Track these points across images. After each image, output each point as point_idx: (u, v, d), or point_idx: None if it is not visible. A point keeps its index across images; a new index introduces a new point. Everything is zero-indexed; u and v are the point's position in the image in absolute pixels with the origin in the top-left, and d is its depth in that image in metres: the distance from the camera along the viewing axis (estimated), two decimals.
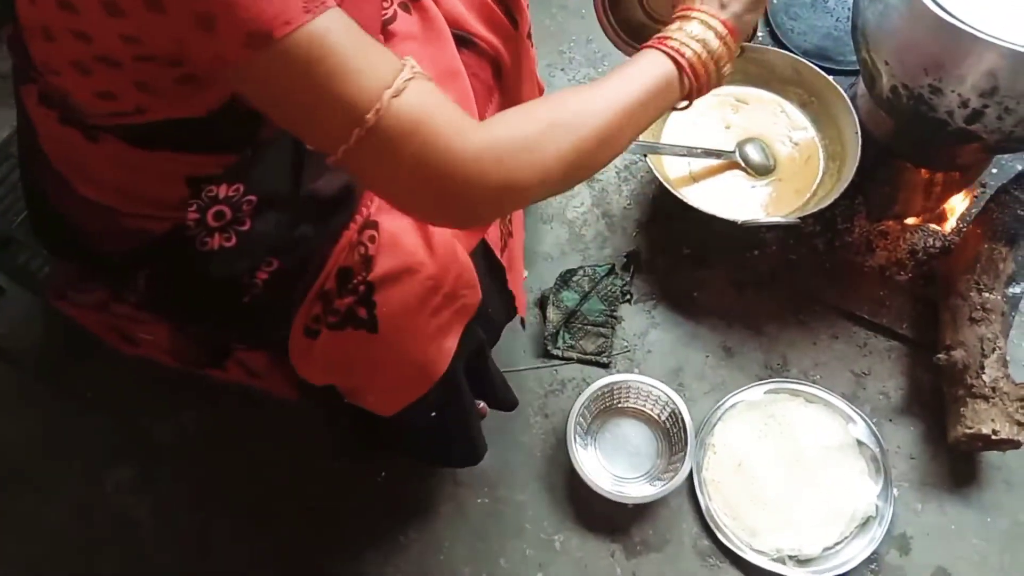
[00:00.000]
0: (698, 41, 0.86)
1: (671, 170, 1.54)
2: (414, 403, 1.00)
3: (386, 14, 1.02)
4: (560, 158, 0.76)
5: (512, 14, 1.16)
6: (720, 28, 0.87)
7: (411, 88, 0.70)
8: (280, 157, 0.95)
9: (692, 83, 0.86)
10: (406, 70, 0.71)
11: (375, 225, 0.95)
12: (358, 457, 1.43)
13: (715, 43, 0.86)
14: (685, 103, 0.90)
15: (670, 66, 0.84)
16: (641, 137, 1.46)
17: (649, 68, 0.84)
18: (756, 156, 1.54)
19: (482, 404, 1.43)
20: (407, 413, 1.00)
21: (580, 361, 1.49)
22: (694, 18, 0.87)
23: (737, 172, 1.54)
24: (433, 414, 1.02)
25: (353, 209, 0.97)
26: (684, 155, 1.53)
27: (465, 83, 1.04)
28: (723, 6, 0.88)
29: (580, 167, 0.79)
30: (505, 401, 1.30)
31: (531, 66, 1.24)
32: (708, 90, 0.89)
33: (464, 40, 1.09)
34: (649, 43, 0.87)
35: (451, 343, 0.96)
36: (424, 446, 1.25)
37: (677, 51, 0.85)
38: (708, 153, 1.53)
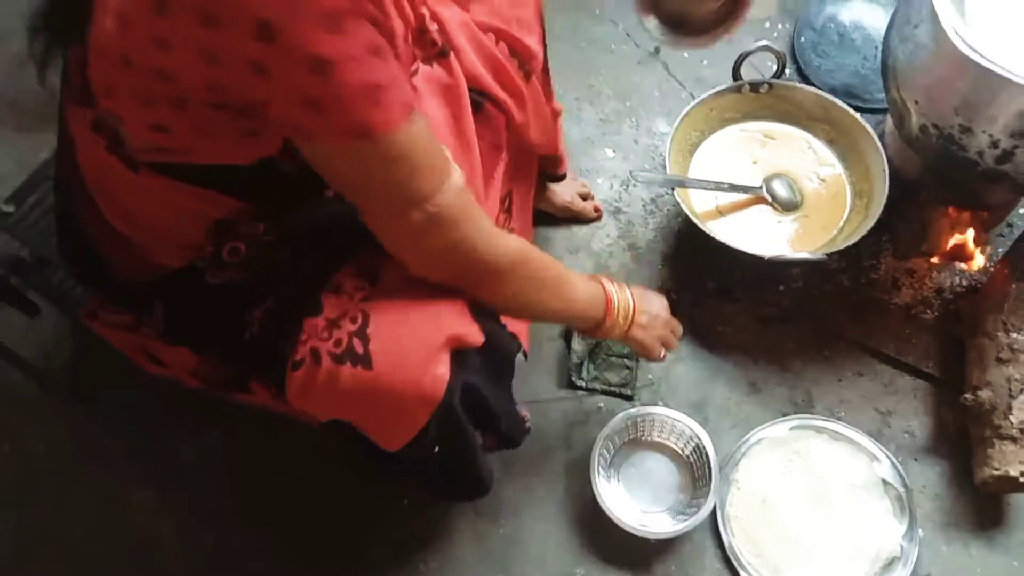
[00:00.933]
0: (623, 308, 1.15)
1: (698, 204, 1.54)
2: (416, 437, 1.00)
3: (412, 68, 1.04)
4: (529, 305, 1.06)
5: (525, 67, 1.19)
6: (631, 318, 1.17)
7: (461, 189, 0.89)
8: (304, 209, 1.00)
9: (602, 323, 1.14)
10: (456, 175, 0.88)
11: (366, 277, 0.97)
12: (383, 483, 1.43)
13: (624, 321, 1.16)
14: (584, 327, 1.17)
15: (602, 300, 1.13)
16: (669, 170, 1.49)
17: (595, 292, 1.13)
18: (783, 192, 1.55)
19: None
20: (411, 448, 1.01)
21: (604, 392, 1.49)
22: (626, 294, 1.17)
23: (764, 207, 1.55)
24: (436, 449, 1.02)
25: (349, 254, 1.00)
26: (712, 189, 1.54)
27: (476, 156, 1.10)
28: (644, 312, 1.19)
29: (527, 309, 1.08)
30: (509, 438, 1.30)
31: (539, 103, 1.26)
32: (608, 332, 1.16)
33: (477, 105, 1.12)
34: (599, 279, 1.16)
35: (444, 370, 0.96)
36: (430, 479, 1.26)
37: (610, 296, 1.14)
38: (735, 188, 1.54)
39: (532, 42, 1.18)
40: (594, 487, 1.35)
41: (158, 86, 0.79)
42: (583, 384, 1.49)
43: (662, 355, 1.25)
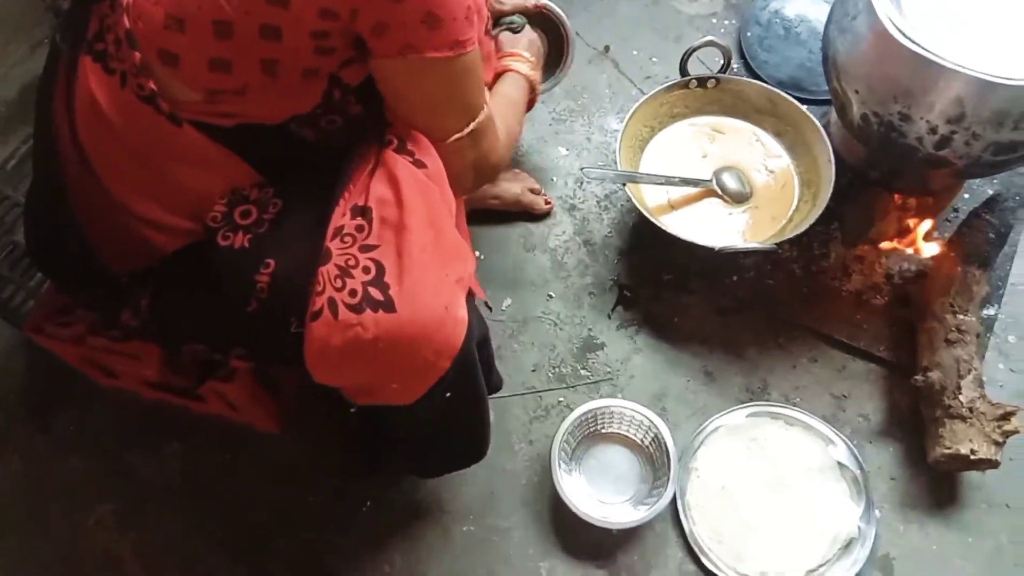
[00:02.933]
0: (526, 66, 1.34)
1: (650, 199, 1.56)
2: (434, 385, 0.99)
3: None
4: (511, 149, 1.22)
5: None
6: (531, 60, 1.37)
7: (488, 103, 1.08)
8: (313, 176, 1.01)
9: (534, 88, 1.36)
10: (487, 92, 1.08)
11: (366, 211, 0.96)
12: (342, 490, 1.42)
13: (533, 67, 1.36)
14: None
15: (525, 82, 1.33)
16: (621, 166, 1.50)
17: (521, 84, 1.33)
18: (733, 184, 1.57)
19: None
20: (425, 399, 0.99)
21: None
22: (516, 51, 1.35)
23: (714, 200, 1.57)
24: (448, 395, 1.02)
25: (338, 196, 0.99)
26: (662, 184, 1.55)
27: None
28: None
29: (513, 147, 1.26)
30: (491, 382, 1.30)
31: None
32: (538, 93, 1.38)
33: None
34: (504, 68, 1.32)
35: (463, 313, 0.97)
36: (433, 442, 1.23)
37: (522, 71, 1.33)
38: (686, 182, 1.56)
39: None
40: (556, 481, 1.35)
41: (261, 13, 0.87)
42: None
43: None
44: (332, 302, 0.91)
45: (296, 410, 1.40)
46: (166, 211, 1.04)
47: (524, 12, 1.45)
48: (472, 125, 1.05)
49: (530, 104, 1.36)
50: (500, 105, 1.21)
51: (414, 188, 0.97)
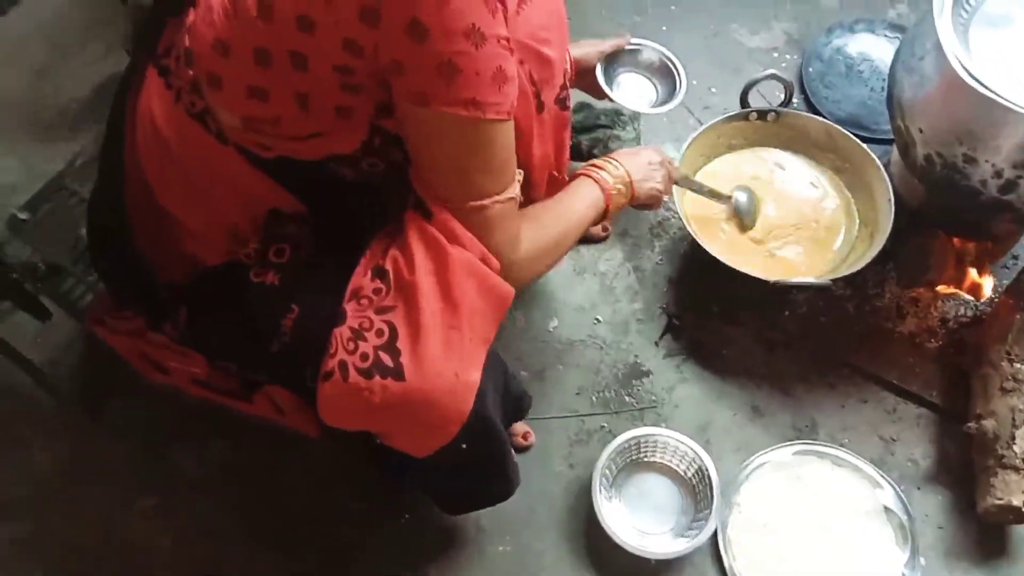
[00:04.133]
0: (616, 181, 1.21)
1: (701, 228, 1.55)
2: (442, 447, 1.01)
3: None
4: (546, 268, 1.14)
5: (540, 95, 1.12)
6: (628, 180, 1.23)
7: (512, 199, 0.98)
8: (354, 214, 1.03)
9: (608, 205, 1.20)
10: (512, 190, 0.97)
11: (384, 274, 0.97)
12: (383, 497, 1.43)
13: (625, 189, 1.22)
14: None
15: (599, 193, 1.18)
16: (678, 195, 1.50)
17: (590, 193, 1.18)
18: (742, 203, 1.56)
19: (525, 431, 1.44)
20: (440, 452, 1.01)
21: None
22: (614, 165, 1.23)
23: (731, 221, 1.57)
24: (464, 446, 1.02)
25: (361, 255, 1.00)
26: (694, 191, 1.52)
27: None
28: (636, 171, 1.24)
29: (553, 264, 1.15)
30: (521, 408, 1.33)
31: (546, 137, 1.19)
32: (612, 213, 1.22)
33: None
34: (585, 173, 1.20)
35: (476, 376, 0.97)
36: (454, 486, 1.25)
37: (603, 184, 1.19)
38: (713, 194, 1.53)
39: (556, 59, 1.11)
40: (596, 506, 1.35)
41: (290, 38, 0.86)
42: None
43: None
44: (343, 365, 0.93)
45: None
46: (208, 225, 1.06)
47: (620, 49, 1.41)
48: (471, 204, 0.95)
49: (598, 220, 1.21)
50: (547, 212, 1.11)
51: (423, 246, 0.96)
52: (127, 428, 1.51)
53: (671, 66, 1.48)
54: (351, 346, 0.94)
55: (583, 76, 1.40)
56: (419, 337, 0.94)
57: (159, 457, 1.49)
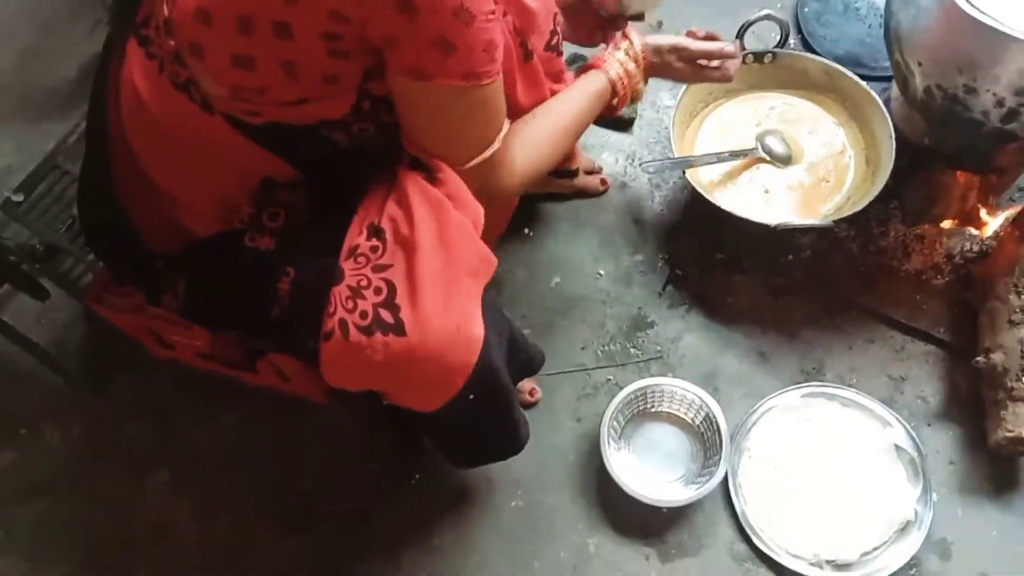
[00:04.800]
0: (621, 64, 1.22)
1: (703, 174, 1.54)
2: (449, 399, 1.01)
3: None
4: (544, 173, 1.16)
5: (526, 45, 1.13)
6: (640, 58, 1.24)
7: (504, 137, 1.01)
8: (346, 178, 1.02)
9: (618, 94, 1.22)
10: (506, 124, 1.00)
11: (380, 232, 0.96)
12: (392, 460, 1.44)
13: (632, 67, 1.23)
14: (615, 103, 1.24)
15: (605, 81, 1.20)
16: (674, 143, 1.48)
17: (593, 84, 1.19)
18: (778, 147, 1.54)
19: (531, 387, 1.44)
20: (444, 407, 1.01)
21: None
22: (622, 46, 1.23)
23: (764, 166, 1.54)
24: (471, 396, 1.02)
25: (354, 214, 0.99)
26: (714, 162, 1.53)
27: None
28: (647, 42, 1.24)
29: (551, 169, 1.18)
30: (533, 367, 1.32)
31: (536, 85, 1.18)
32: (626, 102, 1.25)
33: None
34: (589, 64, 1.22)
35: (478, 330, 0.97)
36: (464, 439, 1.25)
37: (607, 71, 1.20)
38: (735, 155, 1.52)
39: (538, 8, 1.11)
40: (605, 458, 1.35)
41: (275, 9, 0.86)
42: None
43: (717, 72, 1.32)
44: (343, 323, 0.92)
45: None
46: (198, 196, 1.05)
47: None
48: (477, 159, 0.99)
49: (612, 110, 1.24)
50: (542, 126, 1.13)
51: (425, 206, 0.96)
52: (136, 403, 1.52)
53: None
54: (350, 304, 0.93)
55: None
56: (417, 293, 0.93)
57: (170, 431, 1.50)
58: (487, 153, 0.99)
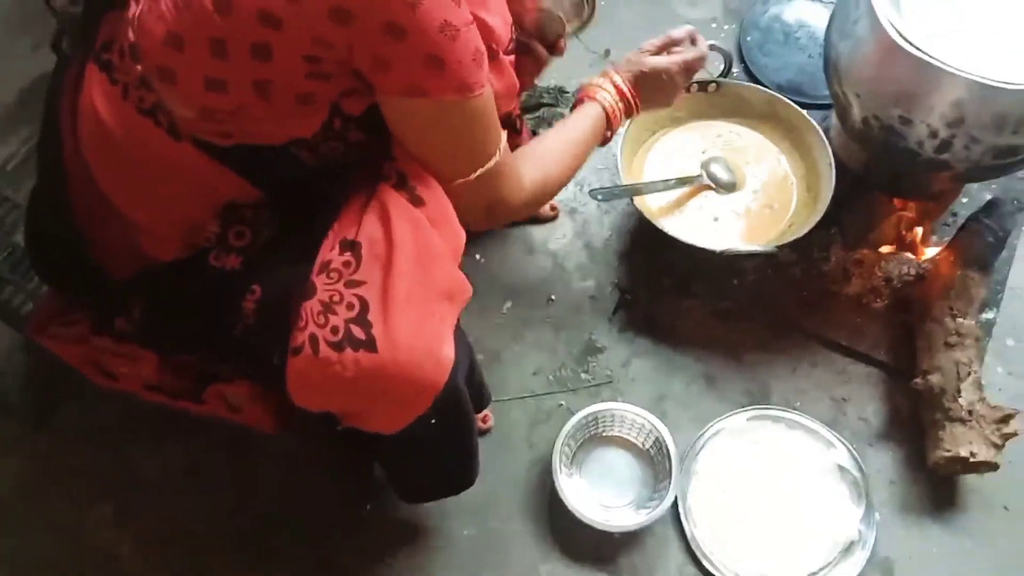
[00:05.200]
0: (610, 93, 1.29)
1: (651, 201, 1.57)
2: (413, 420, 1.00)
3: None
4: (553, 194, 1.23)
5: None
6: (627, 91, 1.30)
7: (505, 148, 1.03)
8: (313, 197, 1.03)
9: (612, 123, 1.28)
10: (503, 139, 1.02)
11: (355, 246, 0.96)
12: (344, 490, 1.42)
13: (620, 101, 1.29)
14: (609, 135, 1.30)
15: (600, 110, 1.27)
16: (622, 171, 1.51)
17: (591, 111, 1.26)
18: (722, 174, 1.58)
19: (484, 413, 1.44)
20: (406, 428, 1.00)
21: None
22: (611, 76, 1.30)
23: (710, 193, 1.58)
24: (433, 421, 1.02)
25: (327, 228, 0.99)
26: (661, 190, 1.55)
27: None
28: (633, 73, 1.30)
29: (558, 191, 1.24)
30: (481, 402, 1.33)
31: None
32: (616, 130, 1.30)
33: None
34: (584, 94, 1.29)
35: (449, 351, 0.97)
36: (419, 468, 1.24)
37: (602, 101, 1.27)
38: (681, 182, 1.55)
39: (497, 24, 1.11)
40: (557, 484, 1.35)
41: (255, 33, 0.85)
42: None
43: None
44: (313, 338, 0.91)
45: (297, 409, 1.40)
46: (162, 222, 1.04)
47: None
48: (480, 171, 1.01)
49: (605, 140, 1.31)
50: (546, 147, 1.19)
51: (406, 227, 0.96)
52: (80, 435, 1.48)
53: None
54: (321, 319, 0.92)
55: None
56: (390, 310, 0.92)
57: (115, 463, 1.46)
58: (490, 164, 1.01)
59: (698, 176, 1.57)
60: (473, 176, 1.01)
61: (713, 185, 1.57)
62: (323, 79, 0.91)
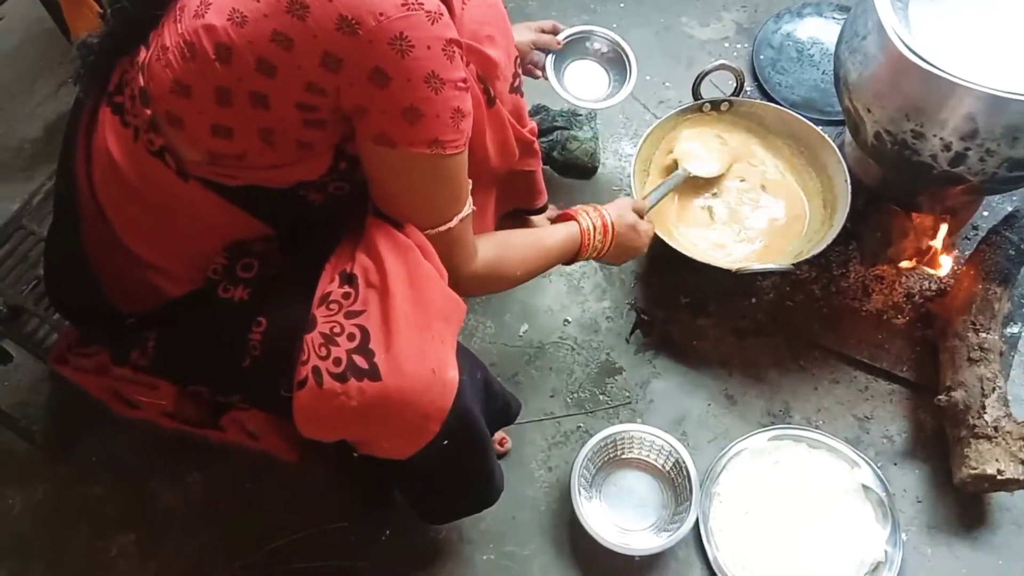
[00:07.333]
0: (595, 228, 1.28)
1: (667, 219, 1.56)
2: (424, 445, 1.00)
3: None
4: (506, 284, 1.21)
5: (490, 91, 1.14)
6: (608, 230, 1.29)
7: (467, 218, 1.03)
8: (321, 232, 1.04)
9: (580, 253, 1.27)
10: (468, 205, 1.02)
11: (352, 279, 0.97)
12: (363, 516, 1.42)
13: (601, 235, 1.28)
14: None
15: (577, 230, 1.26)
16: (635, 190, 1.50)
17: (567, 227, 1.26)
18: (698, 164, 1.57)
19: (501, 436, 1.44)
20: (418, 453, 1.00)
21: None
22: (603, 215, 1.29)
23: (724, 207, 1.58)
24: (446, 442, 1.02)
25: (325, 262, 1.00)
26: (659, 199, 1.52)
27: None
28: (620, 216, 1.31)
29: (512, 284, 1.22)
30: (509, 414, 1.30)
31: (501, 128, 1.19)
32: (584, 256, 1.29)
33: None
34: (571, 213, 1.29)
35: (453, 374, 0.97)
36: (437, 490, 1.23)
37: (581, 222, 1.27)
38: (670, 182, 1.53)
39: (500, 57, 1.12)
40: (576, 508, 1.34)
41: (252, 81, 0.88)
42: None
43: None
44: (317, 371, 0.92)
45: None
46: (172, 259, 1.06)
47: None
48: (436, 231, 1.01)
49: (572, 259, 1.29)
50: (513, 238, 1.20)
51: (393, 252, 0.97)
52: (103, 465, 1.49)
53: (621, 53, 1.48)
54: (323, 351, 0.93)
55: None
56: (392, 337, 0.93)
57: (137, 493, 1.47)
58: (450, 224, 1.01)
59: (678, 172, 1.56)
60: (431, 232, 1.00)
61: (694, 173, 1.56)
62: (320, 127, 0.92)
